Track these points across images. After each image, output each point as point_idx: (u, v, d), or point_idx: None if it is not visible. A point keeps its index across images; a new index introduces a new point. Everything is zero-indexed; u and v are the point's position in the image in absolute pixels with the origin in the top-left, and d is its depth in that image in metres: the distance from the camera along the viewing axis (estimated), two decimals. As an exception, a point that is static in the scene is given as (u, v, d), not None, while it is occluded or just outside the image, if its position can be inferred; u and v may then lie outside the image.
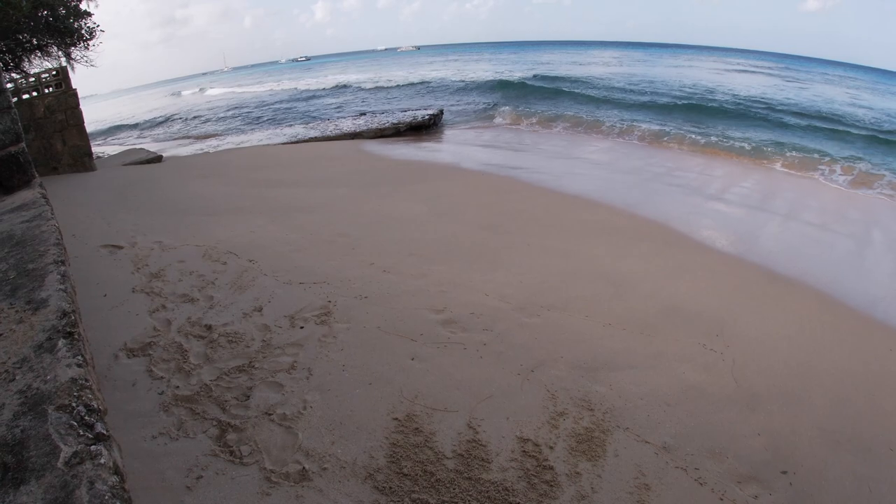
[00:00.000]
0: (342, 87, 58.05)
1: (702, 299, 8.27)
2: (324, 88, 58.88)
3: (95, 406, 2.88)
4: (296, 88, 62.13)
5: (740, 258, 10.46)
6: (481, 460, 4.67)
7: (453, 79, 52.23)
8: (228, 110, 47.58)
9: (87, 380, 3.07)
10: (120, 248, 9.27)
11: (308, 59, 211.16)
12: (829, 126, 26.83)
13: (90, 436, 2.62)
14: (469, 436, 4.95)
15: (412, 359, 6.07)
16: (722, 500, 4.52)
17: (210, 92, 73.89)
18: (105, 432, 2.68)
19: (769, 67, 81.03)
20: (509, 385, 5.74)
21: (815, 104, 36.16)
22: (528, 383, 5.79)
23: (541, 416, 5.28)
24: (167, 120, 47.83)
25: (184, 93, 76.16)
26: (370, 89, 53.68)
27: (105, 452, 2.51)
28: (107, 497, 2.29)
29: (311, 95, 54.19)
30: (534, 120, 29.29)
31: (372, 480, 4.35)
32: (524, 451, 4.80)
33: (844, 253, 11.27)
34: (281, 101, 51.73)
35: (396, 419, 5.08)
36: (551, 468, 4.63)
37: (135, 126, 47.70)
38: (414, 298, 7.58)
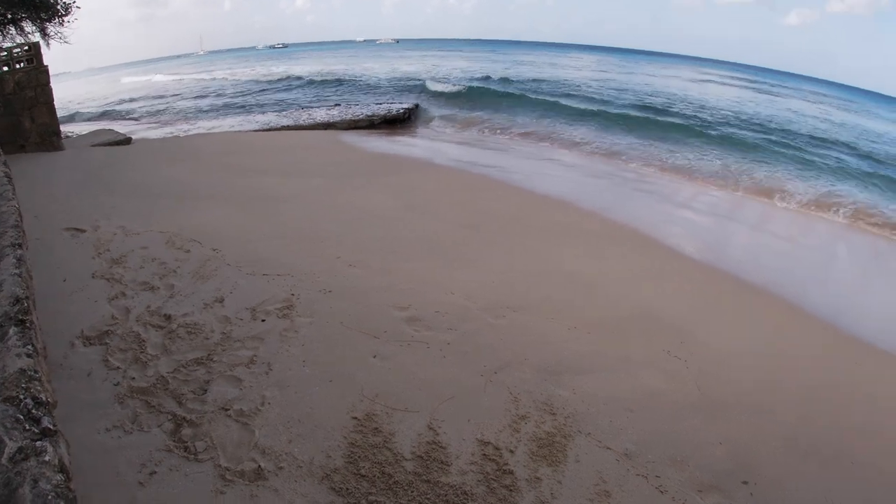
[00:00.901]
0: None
1: (668, 305, 8.29)
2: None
3: (44, 399, 2.80)
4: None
5: (706, 264, 10.52)
6: (441, 463, 4.63)
7: (385, 76, 50.07)
8: (199, 97, 46.68)
9: (36, 371, 2.98)
10: (82, 231, 9.09)
11: (285, 46, 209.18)
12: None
13: (36, 431, 2.54)
14: (429, 437, 4.90)
15: (374, 356, 6.01)
16: (681, 508, 4.53)
17: (157, 78, 69.38)
18: (52, 427, 2.60)
19: (738, 78, 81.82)
20: (472, 386, 5.70)
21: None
22: (491, 385, 5.75)
23: (502, 419, 5.25)
24: (130, 101, 46.73)
25: (124, 79, 72.13)
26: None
27: (51, 449, 2.43)
28: (50, 497, 2.21)
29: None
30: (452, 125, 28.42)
31: (329, 481, 4.29)
32: (484, 455, 4.77)
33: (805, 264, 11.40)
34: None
35: (356, 418, 5.02)
36: (511, 472, 4.60)
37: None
38: (379, 295, 7.50)
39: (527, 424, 5.22)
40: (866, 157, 25.89)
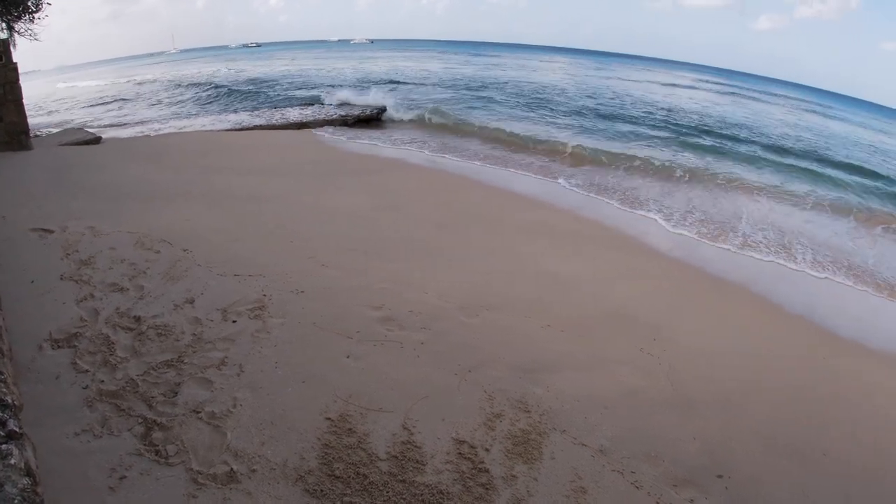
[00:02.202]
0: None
1: (641, 303, 8.36)
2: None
3: (9, 401, 2.74)
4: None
5: (680, 261, 10.61)
6: (416, 462, 4.61)
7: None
8: (171, 92, 45.94)
9: (1, 372, 2.92)
10: (50, 232, 8.94)
11: (259, 45, 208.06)
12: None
13: (2, 433, 2.49)
14: (404, 437, 4.88)
15: (347, 357, 5.97)
16: (658, 503, 4.54)
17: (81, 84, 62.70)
18: (18, 430, 2.55)
19: (708, 81, 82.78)
20: (446, 385, 5.69)
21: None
22: (466, 384, 5.74)
23: (477, 418, 5.25)
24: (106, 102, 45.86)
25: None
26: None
27: (17, 452, 2.39)
28: (16, 501, 2.17)
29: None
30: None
31: (303, 483, 4.25)
32: (460, 454, 4.76)
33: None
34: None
35: (329, 419, 4.98)
36: (487, 471, 4.60)
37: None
38: (352, 295, 7.45)
39: (502, 422, 5.22)
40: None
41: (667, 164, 19.51)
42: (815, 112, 59.32)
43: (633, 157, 19.85)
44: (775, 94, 77.45)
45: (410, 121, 27.08)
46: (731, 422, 5.79)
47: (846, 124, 50.75)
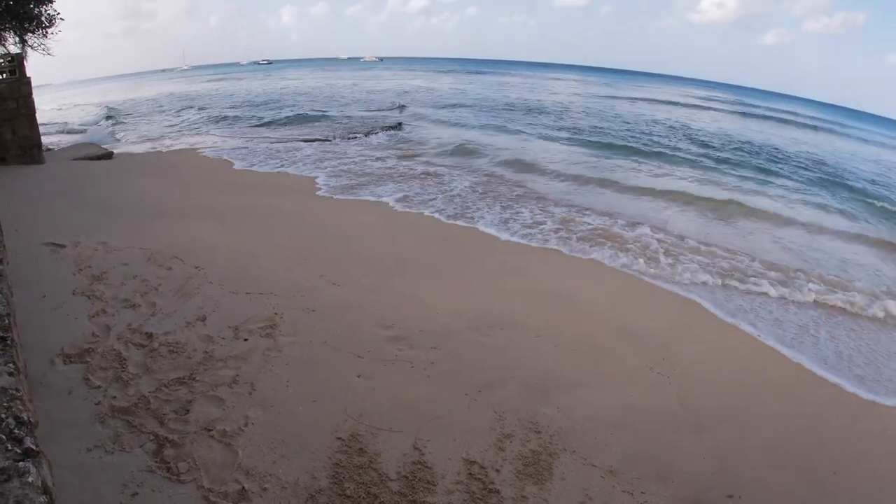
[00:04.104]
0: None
1: (650, 322, 8.34)
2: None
3: (25, 418, 2.75)
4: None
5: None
6: (426, 483, 4.60)
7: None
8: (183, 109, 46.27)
9: (17, 389, 2.93)
10: (63, 246, 9.00)
11: (270, 62, 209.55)
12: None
13: (19, 451, 2.50)
14: (414, 457, 4.88)
15: (358, 376, 5.98)
16: (668, 524, 4.54)
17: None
18: (34, 447, 2.56)
19: (710, 98, 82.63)
20: (457, 405, 5.69)
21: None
22: (476, 404, 5.75)
23: (488, 438, 5.24)
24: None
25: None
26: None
27: (34, 470, 2.39)
28: (34, 519, 2.18)
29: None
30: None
31: (313, 502, 4.25)
32: (470, 474, 4.75)
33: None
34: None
35: (340, 438, 4.99)
36: (497, 491, 4.59)
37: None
38: (363, 313, 7.48)
39: (512, 443, 5.21)
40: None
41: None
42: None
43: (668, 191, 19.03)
44: (791, 113, 76.48)
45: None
46: (739, 440, 5.79)
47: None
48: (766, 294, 10.05)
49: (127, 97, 61.68)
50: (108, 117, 40.32)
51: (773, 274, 11.03)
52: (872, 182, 26.52)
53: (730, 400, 6.58)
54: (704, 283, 10.22)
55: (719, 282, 10.34)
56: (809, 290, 10.39)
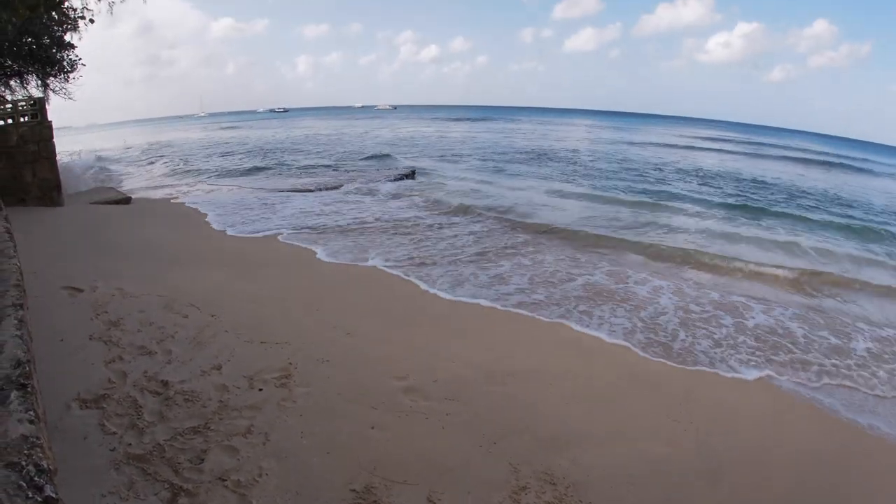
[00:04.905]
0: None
1: (665, 370, 8.30)
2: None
3: (45, 466, 2.76)
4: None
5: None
6: (441, 538, 4.57)
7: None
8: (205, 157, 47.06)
9: (38, 437, 2.95)
10: (80, 291, 9.09)
11: (286, 110, 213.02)
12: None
13: (39, 499, 2.51)
14: (429, 511, 4.84)
15: (372, 427, 5.95)
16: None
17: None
18: (54, 496, 2.57)
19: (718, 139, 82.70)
20: (471, 457, 5.64)
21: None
22: (491, 455, 5.70)
23: (503, 491, 5.19)
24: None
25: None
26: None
27: (53, 518, 2.40)
28: (53, 569, 2.19)
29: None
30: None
31: (327, 555, 4.22)
32: (485, 529, 4.71)
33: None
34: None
35: (354, 491, 4.95)
36: (513, 546, 4.55)
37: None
38: (377, 364, 7.48)
39: (527, 495, 5.16)
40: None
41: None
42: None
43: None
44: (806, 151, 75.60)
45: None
46: (758, 489, 5.69)
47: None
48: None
49: (146, 141, 62.79)
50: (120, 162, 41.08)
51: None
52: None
53: (748, 440, 6.54)
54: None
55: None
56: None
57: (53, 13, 19.16)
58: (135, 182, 29.95)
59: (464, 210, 21.10)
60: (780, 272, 14.37)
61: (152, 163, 41.21)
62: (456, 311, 10.24)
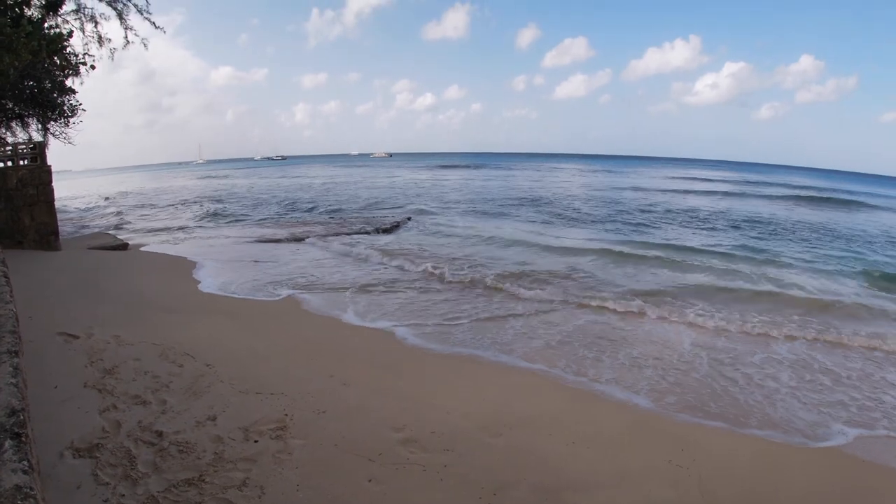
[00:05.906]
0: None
1: (666, 413, 8.25)
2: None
3: (39, 518, 2.73)
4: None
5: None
6: None
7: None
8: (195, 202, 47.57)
9: (31, 488, 2.91)
10: (76, 337, 9.06)
11: (284, 158, 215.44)
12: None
13: (34, 552, 2.48)
14: (427, 567, 4.77)
15: (369, 480, 5.87)
16: None
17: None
18: (47, 549, 2.53)
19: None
20: (470, 510, 5.56)
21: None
22: (492, 509, 5.62)
23: (501, 545, 5.12)
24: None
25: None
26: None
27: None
28: None
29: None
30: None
31: None
32: (484, 584, 4.63)
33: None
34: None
35: (352, 546, 4.88)
36: None
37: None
38: (373, 415, 7.40)
39: (527, 549, 5.09)
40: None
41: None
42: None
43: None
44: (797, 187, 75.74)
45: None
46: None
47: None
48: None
49: (147, 186, 63.24)
50: (119, 212, 41.33)
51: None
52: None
53: (752, 483, 6.47)
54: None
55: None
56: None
57: (55, 58, 19.45)
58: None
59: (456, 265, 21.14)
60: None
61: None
62: (449, 362, 10.18)
